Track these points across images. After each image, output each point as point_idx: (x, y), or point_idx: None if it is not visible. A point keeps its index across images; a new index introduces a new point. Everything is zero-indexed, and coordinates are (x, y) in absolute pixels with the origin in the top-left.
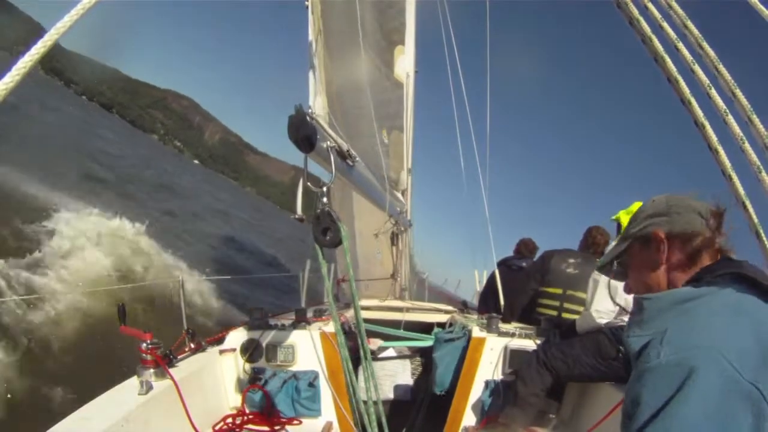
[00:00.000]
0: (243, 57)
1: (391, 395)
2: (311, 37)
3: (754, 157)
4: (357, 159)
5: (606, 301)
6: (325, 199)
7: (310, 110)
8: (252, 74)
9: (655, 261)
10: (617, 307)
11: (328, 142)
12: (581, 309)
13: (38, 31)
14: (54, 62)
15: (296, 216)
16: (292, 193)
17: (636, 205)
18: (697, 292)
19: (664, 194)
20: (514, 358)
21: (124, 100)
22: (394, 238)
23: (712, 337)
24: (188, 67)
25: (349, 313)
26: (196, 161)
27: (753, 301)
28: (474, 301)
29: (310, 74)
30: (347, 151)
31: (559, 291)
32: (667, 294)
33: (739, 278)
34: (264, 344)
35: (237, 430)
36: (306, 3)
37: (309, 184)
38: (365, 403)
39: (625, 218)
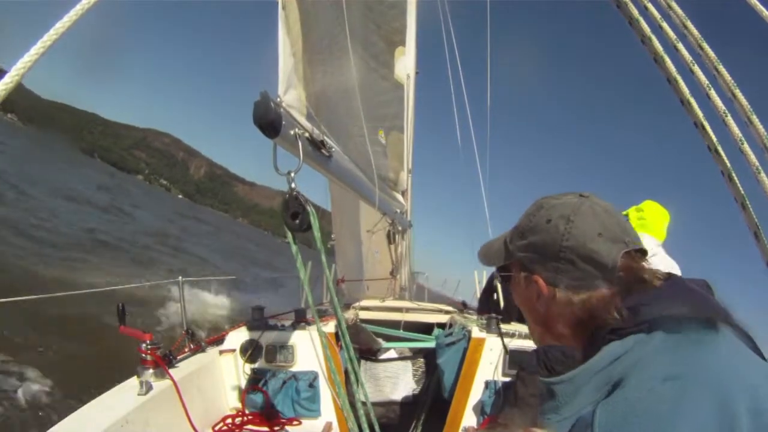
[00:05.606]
0: (221, 87)
1: (392, 397)
2: (281, 29)
3: (753, 157)
4: (334, 149)
5: None
6: (293, 185)
7: (278, 99)
8: (233, 103)
9: (536, 307)
10: None
11: (297, 129)
12: None
13: None
14: (30, 111)
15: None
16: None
17: (647, 204)
18: (613, 352)
19: (570, 207)
20: (513, 358)
21: (106, 143)
22: (390, 237)
23: None
24: (166, 102)
25: (349, 314)
26: (180, 196)
27: (702, 357)
28: (474, 301)
29: (280, 65)
30: (321, 141)
31: None
32: (581, 372)
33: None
34: (264, 345)
35: (236, 430)
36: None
37: (277, 170)
38: (364, 404)
39: (633, 215)
